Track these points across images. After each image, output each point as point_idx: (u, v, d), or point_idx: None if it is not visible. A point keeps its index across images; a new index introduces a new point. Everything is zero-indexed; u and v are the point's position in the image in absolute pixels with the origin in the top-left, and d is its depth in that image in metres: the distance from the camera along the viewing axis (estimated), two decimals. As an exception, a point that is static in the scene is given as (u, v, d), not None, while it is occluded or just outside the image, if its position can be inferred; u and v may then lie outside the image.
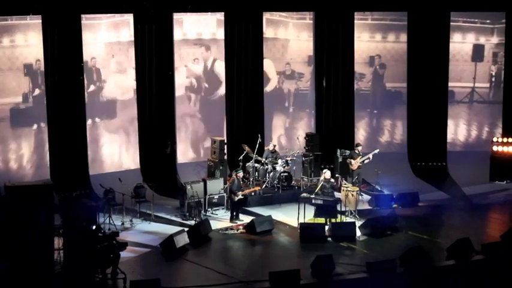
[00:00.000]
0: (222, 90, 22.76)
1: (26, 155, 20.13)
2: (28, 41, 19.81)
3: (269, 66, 23.34)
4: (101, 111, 21.40)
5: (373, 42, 23.77)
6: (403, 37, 23.64)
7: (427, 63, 23.55)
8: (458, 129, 24.19)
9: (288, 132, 23.77)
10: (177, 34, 22.00)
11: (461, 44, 23.77)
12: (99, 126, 21.36)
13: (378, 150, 21.20)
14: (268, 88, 23.43)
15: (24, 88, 20.01)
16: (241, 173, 19.50)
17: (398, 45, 23.75)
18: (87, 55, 20.72)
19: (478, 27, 23.78)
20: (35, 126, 20.29)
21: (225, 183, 19.86)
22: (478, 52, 23.84)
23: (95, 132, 21.28)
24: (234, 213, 18.95)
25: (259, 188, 20.33)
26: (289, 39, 23.35)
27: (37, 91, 20.19)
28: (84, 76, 20.66)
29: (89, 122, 21.07)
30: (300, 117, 23.85)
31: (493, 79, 23.96)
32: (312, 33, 23.37)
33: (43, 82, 20.12)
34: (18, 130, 20.05)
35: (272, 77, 23.47)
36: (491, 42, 23.75)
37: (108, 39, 21.19)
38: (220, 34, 22.47)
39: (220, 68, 22.65)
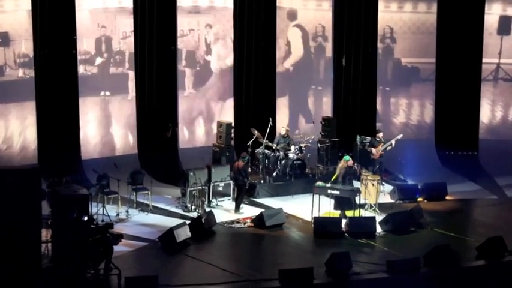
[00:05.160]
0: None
1: (2, 134, 20.19)
2: (4, 6, 19.59)
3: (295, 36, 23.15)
4: (97, 87, 21.48)
5: (388, 12, 23.57)
6: (422, 7, 23.54)
7: (457, 37, 23.54)
8: (482, 110, 24.23)
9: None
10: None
11: (486, 15, 23.66)
12: (94, 104, 21.51)
13: (401, 135, 21.16)
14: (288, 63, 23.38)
15: None
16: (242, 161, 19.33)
17: (415, 16, 23.75)
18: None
19: None
20: (12, 103, 20.19)
21: (231, 170, 19.79)
22: (504, 24, 23.81)
23: (90, 111, 21.43)
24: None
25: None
26: (297, 9, 23.18)
27: (15, 63, 20.02)
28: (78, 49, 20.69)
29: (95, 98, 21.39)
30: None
31: (522, 54, 23.96)
32: (320, 2, 23.26)
33: (24, 53, 19.97)
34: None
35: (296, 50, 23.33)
36: (520, 13, 23.79)
37: (93, 5, 21.06)
38: (219, 2, 22.33)
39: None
